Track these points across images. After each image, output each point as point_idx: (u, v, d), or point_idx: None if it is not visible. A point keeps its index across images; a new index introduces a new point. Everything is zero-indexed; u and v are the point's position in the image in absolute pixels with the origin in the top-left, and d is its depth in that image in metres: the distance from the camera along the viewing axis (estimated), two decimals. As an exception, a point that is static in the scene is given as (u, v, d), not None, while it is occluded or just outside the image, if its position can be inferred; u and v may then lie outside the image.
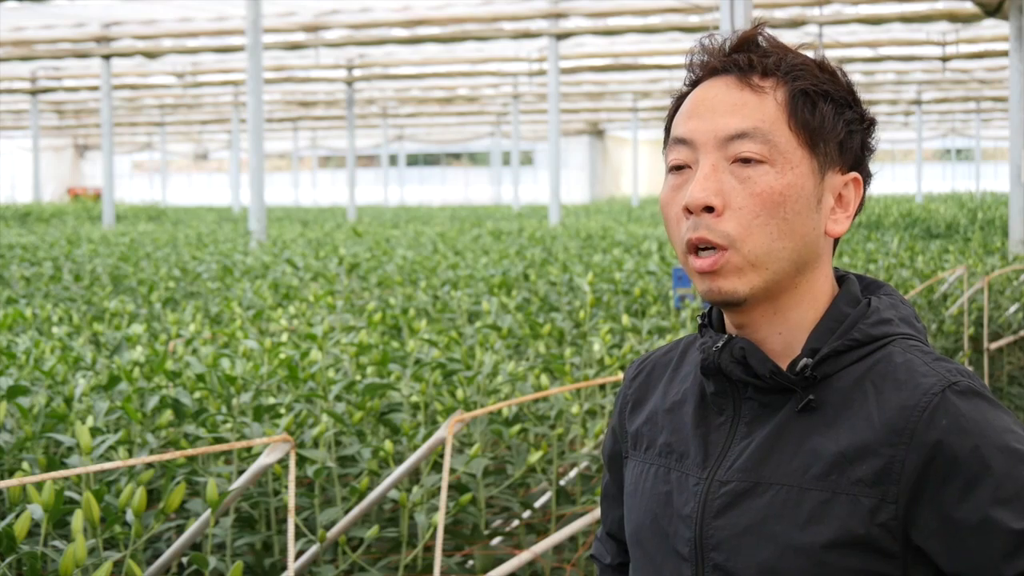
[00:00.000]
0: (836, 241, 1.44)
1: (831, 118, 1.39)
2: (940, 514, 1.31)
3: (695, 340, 1.53)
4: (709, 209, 1.37)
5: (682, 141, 1.41)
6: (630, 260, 9.03)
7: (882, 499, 1.32)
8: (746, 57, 1.40)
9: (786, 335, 1.41)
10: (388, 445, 3.32)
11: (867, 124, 1.43)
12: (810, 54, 1.45)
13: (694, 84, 1.44)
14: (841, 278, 1.45)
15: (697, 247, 1.38)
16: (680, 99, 1.45)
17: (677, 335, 5.05)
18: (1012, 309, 7.79)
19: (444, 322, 5.92)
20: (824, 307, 1.41)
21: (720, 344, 1.42)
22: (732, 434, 1.42)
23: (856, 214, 1.43)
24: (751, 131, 1.37)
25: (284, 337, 4.68)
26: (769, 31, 1.44)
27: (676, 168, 1.41)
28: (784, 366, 1.40)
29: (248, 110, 12.67)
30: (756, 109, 1.38)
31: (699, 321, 1.48)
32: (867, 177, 1.44)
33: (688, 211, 1.38)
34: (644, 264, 8.57)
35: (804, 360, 1.37)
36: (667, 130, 1.46)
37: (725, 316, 1.44)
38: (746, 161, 1.37)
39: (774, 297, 1.40)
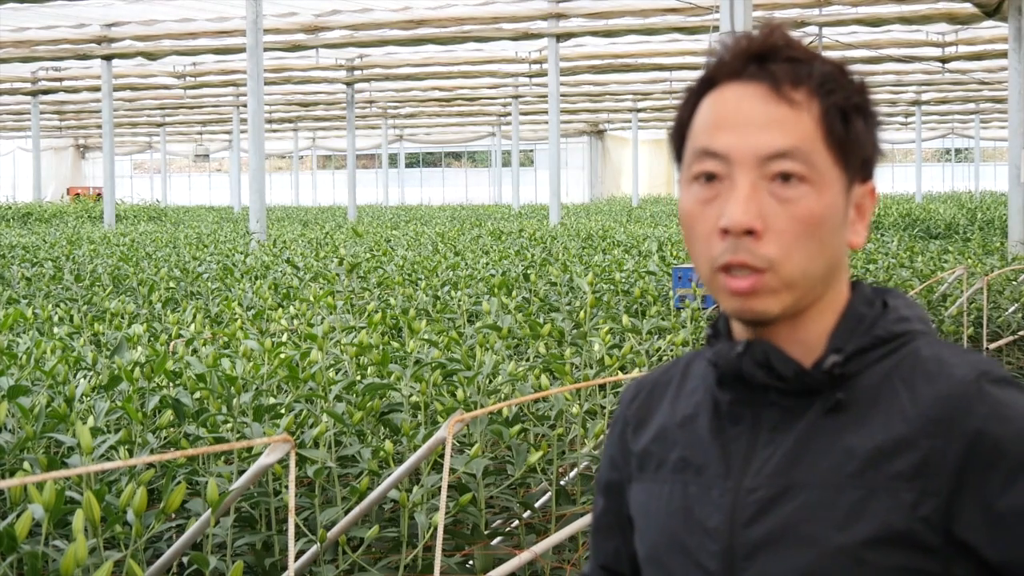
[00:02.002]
0: None
1: (863, 134, 1.37)
2: (984, 503, 1.30)
3: (696, 356, 1.50)
4: (749, 231, 1.33)
5: (714, 155, 1.36)
6: (630, 260, 9.04)
7: (923, 492, 1.30)
8: (777, 66, 1.36)
9: (808, 340, 1.39)
10: (388, 445, 3.33)
11: (879, 124, 1.41)
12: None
13: (711, 82, 1.39)
14: (853, 283, 1.44)
15: (736, 268, 1.34)
16: (694, 95, 1.40)
17: (677, 335, 5.05)
18: (1011, 309, 7.79)
19: (444, 322, 5.92)
20: (839, 311, 1.40)
21: (740, 349, 1.39)
22: (754, 442, 1.39)
23: None
24: (792, 151, 1.33)
25: (284, 337, 4.69)
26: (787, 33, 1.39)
27: (705, 178, 1.36)
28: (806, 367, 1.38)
29: (248, 110, 12.68)
30: (795, 126, 1.34)
31: (707, 332, 1.45)
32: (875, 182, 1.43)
33: (725, 231, 1.34)
34: (644, 264, 8.58)
35: (832, 358, 1.36)
36: (680, 126, 1.41)
37: (741, 325, 1.41)
38: (785, 179, 1.34)
39: (800, 311, 1.38)
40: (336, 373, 4.15)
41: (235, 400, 3.52)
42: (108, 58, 20.00)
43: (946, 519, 1.31)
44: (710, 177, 1.36)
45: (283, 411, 3.55)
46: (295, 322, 5.43)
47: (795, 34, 1.42)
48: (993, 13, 12.96)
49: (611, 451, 1.55)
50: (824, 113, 1.35)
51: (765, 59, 1.36)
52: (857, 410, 1.35)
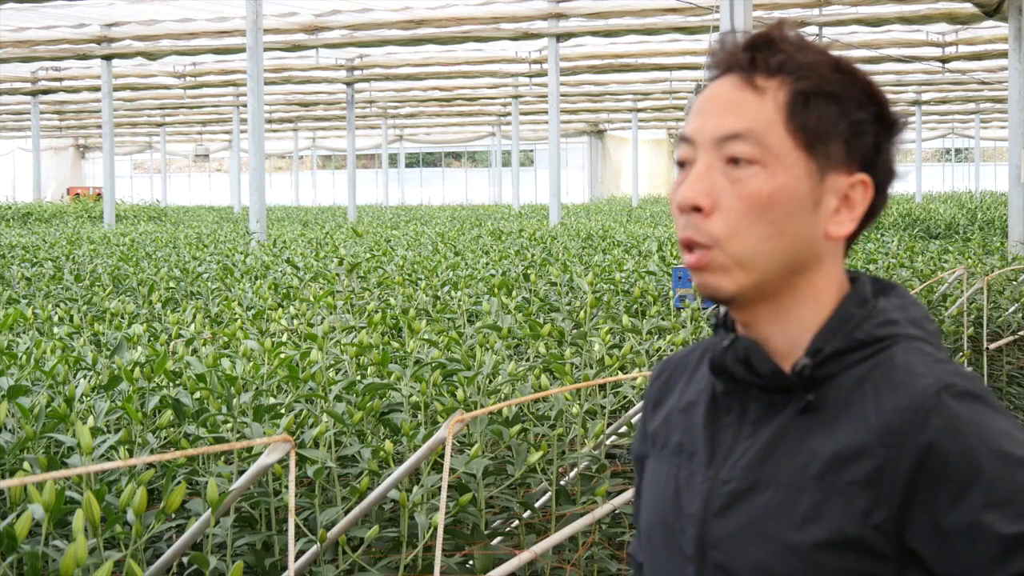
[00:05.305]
0: (850, 242, 1.43)
1: (833, 119, 1.38)
2: (932, 517, 1.31)
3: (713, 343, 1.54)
4: (698, 208, 1.38)
5: (685, 139, 1.42)
6: (630, 260, 9.04)
7: (876, 500, 1.32)
8: (750, 56, 1.40)
9: (789, 335, 1.41)
10: (388, 445, 3.33)
11: (887, 125, 1.41)
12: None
13: (712, 80, 1.45)
14: (854, 279, 1.45)
15: (689, 245, 1.40)
16: (699, 90, 1.47)
17: (677, 335, 5.05)
18: (1011, 309, 7.79)
19: (444, 322, 5.92)
20: (829, 308, 1.41)
21: (726, 343, 1.43)
22: (739, 433, 1.43)
23: (871, 216, 1.42)
24: (744, 132, 1.37)
25: (284, 337, 4.69)
26: (793, 30, 1.42)
27: (681, 164, 1.43)
28: (788, 366, 1.40)
29: (248, 110, 12.69)
30: (753, 110, 1.38)
31: (712, 321, 1.49)
32: (886, 178, 1.43)
33: (680, 209, 1.40)
34: (644, 264, 8.58)
35: (803, 361, 1.38)
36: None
37: (732, 314, 1.45)
38: (737, 161, 1.37)
39: (772, 297, 1.40)
40: (336, 373, 4.15)
41: (235, 400, 3.51)
42: (108, 58, 20.00)
43: (898, 528, 1.32)
44: (683, 163, 1.42)
45: (283, 411, 3.55)
46: (295, 322, 5.43)
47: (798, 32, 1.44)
48: (993, 13, 12.96)
49: (640, 426, 1.61)
50: (790, 98, 1.38)
51: (746, 52, 1.41)
52: (828, 412, 1.37)
